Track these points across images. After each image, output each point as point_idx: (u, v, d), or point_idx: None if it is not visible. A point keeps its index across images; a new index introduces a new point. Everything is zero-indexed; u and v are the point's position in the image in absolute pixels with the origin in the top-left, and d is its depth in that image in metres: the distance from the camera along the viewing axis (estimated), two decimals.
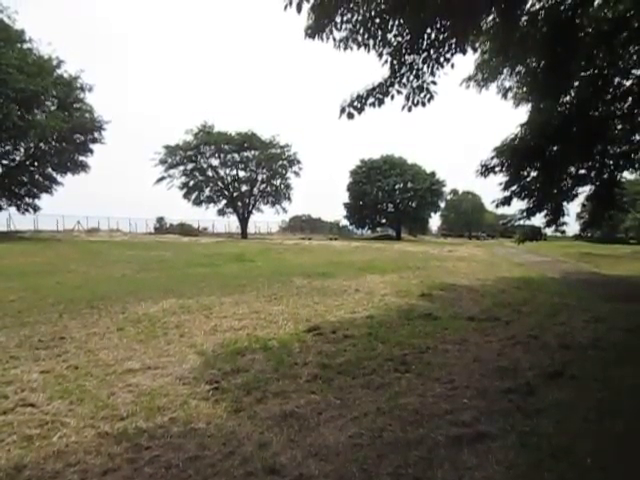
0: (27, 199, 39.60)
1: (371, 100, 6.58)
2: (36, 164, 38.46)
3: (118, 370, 5.47)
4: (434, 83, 6.71)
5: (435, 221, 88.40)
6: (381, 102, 6.59)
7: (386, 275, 15.60)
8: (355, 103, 6.56)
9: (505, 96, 13.96)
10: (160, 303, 9.63)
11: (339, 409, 4.45)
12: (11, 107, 32.13)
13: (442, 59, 6.66)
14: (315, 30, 6.19)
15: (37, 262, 18.13)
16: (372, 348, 6.50)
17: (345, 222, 75.50)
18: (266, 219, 68.44)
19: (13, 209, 39.91)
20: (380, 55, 6.48)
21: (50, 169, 39.13)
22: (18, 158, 37.85)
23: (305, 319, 8.34)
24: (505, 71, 12.44)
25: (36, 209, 40.34)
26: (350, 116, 6.58)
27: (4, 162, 37.26)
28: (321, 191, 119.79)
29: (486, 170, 14.26)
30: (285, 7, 5.44)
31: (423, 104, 6.67)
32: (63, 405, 4.47)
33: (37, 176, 39.20)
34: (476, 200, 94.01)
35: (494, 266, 21.30)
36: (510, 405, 4.59)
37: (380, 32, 6.48)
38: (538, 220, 15.77)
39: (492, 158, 14.24)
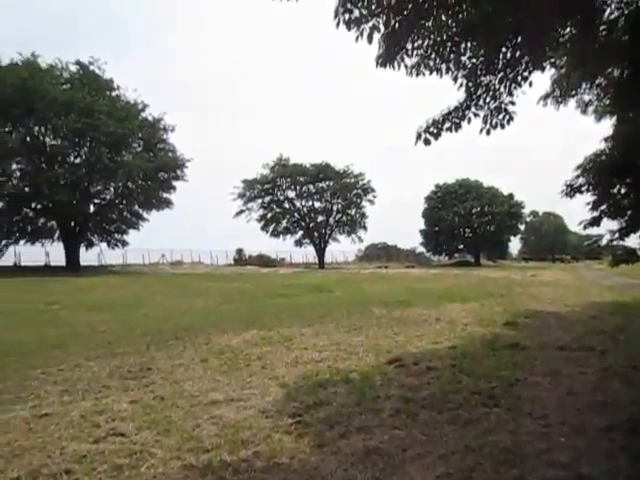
0: (116, 235, 42.21)
1: (447, 125, 6.45)
2: (124, 202, 41.07)
3: (203, 401, 5.54)
4: (512, 103, 6.51)
5: (515, 245, 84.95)
6: (458, 126, 6.45)
7: (467, 303, 15.10)
8: (431, 128, 6.46)
9: (585, 111, 13.35)
10: (242, 334, 9.77)
11: (425, 446, 4.26)
12: (102, 150, 34.71)
13: (519, 78, 6.47)
14: (386, 59, 6.19)
15: (126, 295, 19.07)
16: (457, 381, 6.22)
17: (421, 249, 74.45)
18: (342, 248, 68.57)
19: (104, 244, 42.69)
20: (455, 79, 6.37)
21: (137, 206, 41.59)
22: (108, 197, 40.54)
23: (386, 350, 8.15)
24: (584, 84, 11.91)
25: (124, 244, 42.87)
26: (427, 142, 6.48)
27: (96, 201, 40.04)
28: (396, 218, 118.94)
29: (571, 190, 13.61)
30: (357, 38, 5.48)
31: (502, 126, 6.46)
32: (150, 435, 4.56)
33: (125, 213, 41.81)
34: (558, 221, 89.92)
35: (582, 290, 20.13)
36: (612, 445, 4.21)
37: (453, 55, 6.40)
38: (632, 240, 14.83)
39: (577, 177, 13.59)
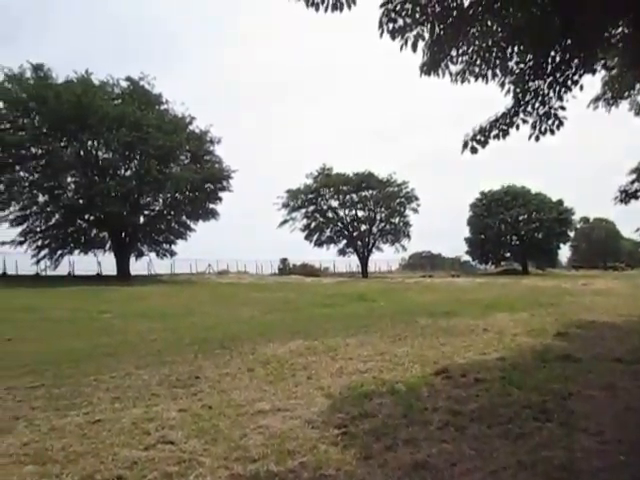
0: (165, 245, 43.25)
1: (495, 132, 6.32)
2: (172, 213, 42.09)
3: (249, 411, 5.57)
4: (562, 108, 6.32)
5: (565, 252, 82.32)
6: (505, 133, 6.32)
7: (516, 313, 14.70)
8: (478, 137, 6.34)
9: (639, 112, 12.85)
10: (287, 344, 9.82)
11: (474, 461, 4.14)
12: (151, 163, 35.84)
13: (569, 82, 6.29)
14: (430, 66, 6.15)
15: (174, 304, 19.50)
16: (507, 393, 6.04)
17: (467, 257, 73.16)
18: (386, 257, 68.10)
19: (153, 254, 43.83)
20: (502, 85, 6.26)
21: (184, 217, 42.56)
22: (157, 208, 41.71)
23: (432, 361, 8.02)
24: (638, 85, 11.48)
25: (172, 254, 43.88)
26: (473, 150, 6.36)
27: (145, 212, 41.19)
28: (441, 226, 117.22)
29: (626, 196, 13.10)
30: (401, 47, 5.46)
31: (552, 132, 6.28)
32: (199, 444, 4.61)
33: (173, 224, 42.80)
34: (610, 227, 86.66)
35: (638, 300, 19.27)
36: None
37: (499, 61, 6.30)
38: None
39: (632, 182, 13.07)
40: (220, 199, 42.85)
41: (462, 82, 6.45)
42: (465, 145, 6.42)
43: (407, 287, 30.30)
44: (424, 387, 6.44)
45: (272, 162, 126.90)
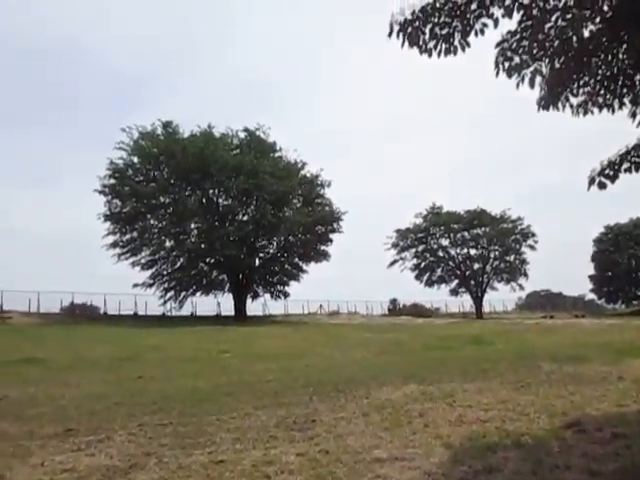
0: (278, 286, 44.74)
1: (626, 165, 5.88)
2: (285, 255, 43.73)
3: (366, 458, 5.44)
4: None
5: None
6: (638, 166, 5.85)
7: None
8: (607, 171, 5.92)
9: None
10: (401, 388, 9.57)
11: None
12: (267, 208, 37.87)
13: None
14: (549, 101, 5.91)
15: (288, 345, 19.90)
16: None
17: (592, 296, 67.82)
18: (501, 297, 64.99)
19: (267, 295, 45.49)
20: (633, 115, 5.83)
21: (297, 259, 43.97)
22: (271, 251, 43.54)
23: (561, 412, 7.38)
24: None
25: (286, 295, 45.24)
26: (602, 186, 5.93)
27: (261, 255, 43.16)
28: (560, 263, 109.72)
29: None
30: (517, 85, 5.33)
31: None
32: None
33: (286, 265, 44.33)
34: None
35: None
36: None
37: (627, 89, 5.90)
38: None
39: None
40: (331, 241, 43.93)
41: (584, 114, 6.12)
42: (592, 181, 6.00)
43: (526, 328, 28.57)
44: (554, 441, 5.93)
45: (381, 202, 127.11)
